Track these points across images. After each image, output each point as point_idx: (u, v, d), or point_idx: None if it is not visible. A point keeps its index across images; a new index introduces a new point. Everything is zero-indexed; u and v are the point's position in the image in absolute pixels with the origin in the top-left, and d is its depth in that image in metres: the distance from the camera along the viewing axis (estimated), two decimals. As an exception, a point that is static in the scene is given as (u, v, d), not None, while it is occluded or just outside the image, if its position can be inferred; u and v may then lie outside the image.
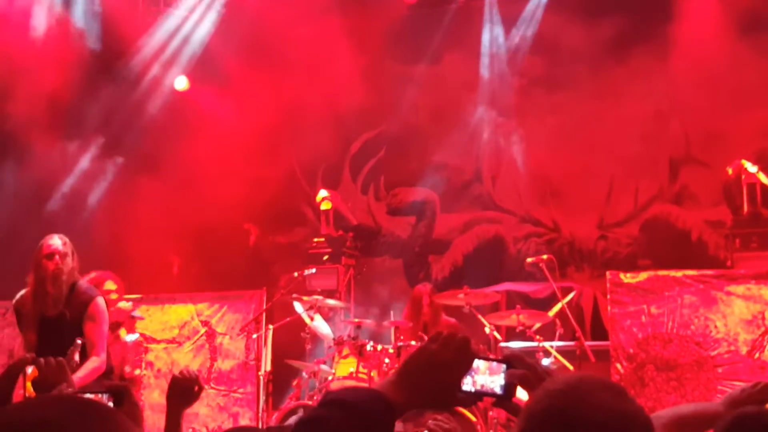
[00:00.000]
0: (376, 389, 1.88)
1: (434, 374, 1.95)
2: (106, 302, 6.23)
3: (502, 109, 11.97)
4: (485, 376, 2.10)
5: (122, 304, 7.76)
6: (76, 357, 5.52)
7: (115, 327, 7.45)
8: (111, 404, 2.79)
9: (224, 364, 9.28)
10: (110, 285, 7.47)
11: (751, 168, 9.50)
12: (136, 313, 8.24)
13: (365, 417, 1.75)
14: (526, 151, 11.77)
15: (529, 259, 9.01)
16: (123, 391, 2.88)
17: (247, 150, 11.30)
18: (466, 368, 2.01)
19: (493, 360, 2.12)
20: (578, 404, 1.70)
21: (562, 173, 11.68)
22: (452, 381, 1.99)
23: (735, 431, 2.82)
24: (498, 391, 2.11)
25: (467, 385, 2.06)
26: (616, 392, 1.73)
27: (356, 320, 8.44)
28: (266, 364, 9.16)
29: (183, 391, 3.50)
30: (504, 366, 2.11)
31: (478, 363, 2.08)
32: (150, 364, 9.33)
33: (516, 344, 8.79)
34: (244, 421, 8.90)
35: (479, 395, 2.09)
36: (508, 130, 11.92)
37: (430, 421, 3.12)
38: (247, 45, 11.55)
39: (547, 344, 8.22)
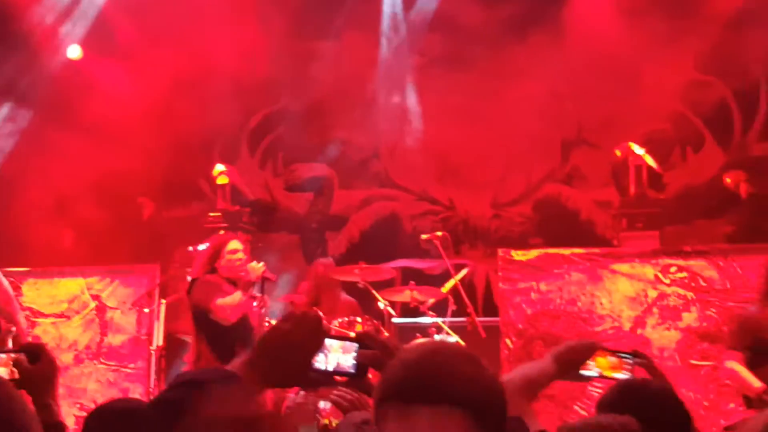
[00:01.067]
0: (230, 369, 1.90)
1: (286, 354, 1.99)
2: None
3: (401, 86, 12.04)
4: (339, 355, 2.11)
5: None
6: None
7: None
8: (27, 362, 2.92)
9: (115, 339, 9.16)
10: None
11: (639, 150, 9.79)
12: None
13: (218, 397, 1.77)
14: (424, 129, 11.88)
15: (423, 236, 9.11)
16: (38, 350, 3.00)
17: (143, 122, 11.12)
18: (316, 348, 2.05)
19: (345, 339, 2.14)
20: (433, 373, 1.73)
21: (460, 152, 11.84)
22: (303, 360, 2.02)
23: (619, 400, 2.94)
24: (351, 370, 2.12)
25: (320, 363, 2.07)
26: (470, 360, 1.77)
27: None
28: (158, 339, 9.07)
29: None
30: (356, 345, 2.13)
31: (330, 342, 2.09)
32: (37, 339, 9.15)
33: (409, 320, 8.90)
34: (134, 396, 8.81)
35: (332, 374, 2.11)
36: (407, 108, 12.00)
37: (333, 394, 3.17)
38: (145, 14, 11.34)
39: (439, 320, 8.35)
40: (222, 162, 11.18)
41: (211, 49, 11.31)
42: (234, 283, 7.15)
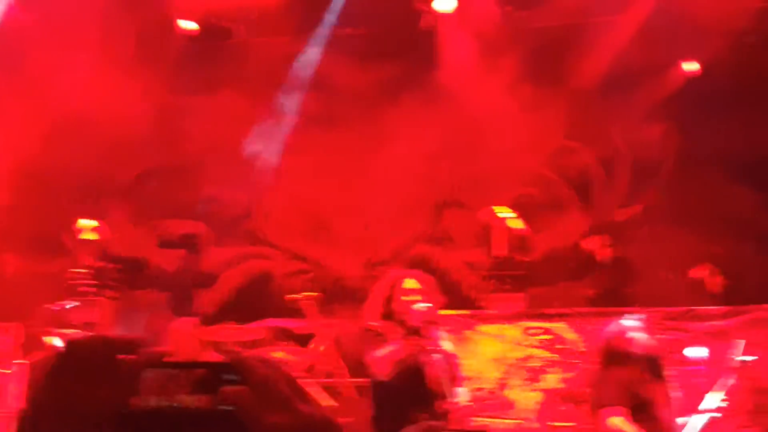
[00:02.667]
0: None
1: None
2: None
3: (276, 145, 12.08)
4: None
5: None
6: None
7: None
8: None
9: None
10: None
11: (507, 213, 10.06)
12: None
13: None
14: (298, 188, 11.93)
15: (293, 296, 9.12)
16: None
17: (8, 175, 10.84)
18: None
19: None
20: None
21: (334, 211, 11.93)
22: None
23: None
24: None
25: None
26: None
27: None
28: (20, 401, 8.75)
29: None
30: None
31: None
32: None
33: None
34: None
35: None
36: (282, 167, 12.04)
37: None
38: (14, 63, 11.10)
39: (310, 381, 8.32)
40: (91, 217, 10.96)
41: (82, 103, 11.14)
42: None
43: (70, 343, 1.19)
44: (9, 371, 8.72)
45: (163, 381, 1.30)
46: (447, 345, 5.69)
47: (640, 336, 5.98)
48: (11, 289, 11.34)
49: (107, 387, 1.05)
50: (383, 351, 5.54)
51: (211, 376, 1.29)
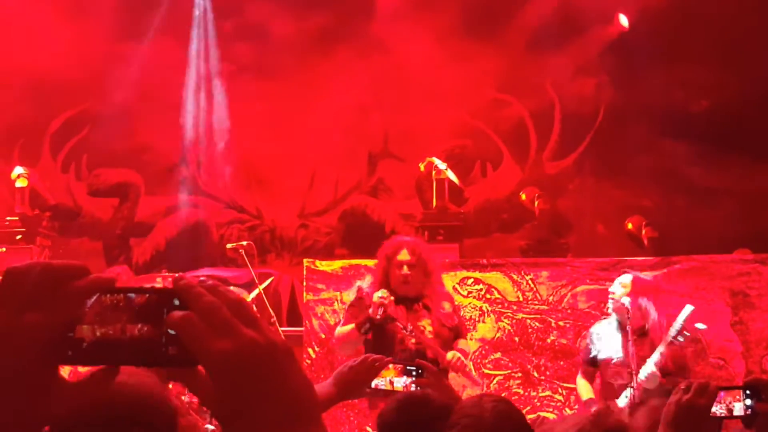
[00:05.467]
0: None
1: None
2: None
3: (211, 93, 11.97)
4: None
5: None
6: None
7: None
8: None
9: None
10: None
11: (441, 165, 10.12)
12: None
13: None
14: (232, 138, 11.86)
15: (228, 245, 9.09)
16: None
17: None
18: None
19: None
20: None
21: (268, 161, 11.89)
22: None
23: (398, 417, 3.00)
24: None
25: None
26: None
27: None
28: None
29: None
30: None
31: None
32: None
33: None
34: None
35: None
36: (216, 115, 11.94)
37: None
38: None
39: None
40: (21, 164, 10.76)
41: (13, 47, 10.89)
42: None
43: (8, 271, 1.12)
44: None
45: (107, 308, 1.11)
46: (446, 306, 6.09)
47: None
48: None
49: (48, 314, 1.02)
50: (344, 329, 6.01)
51: (155, 303, 1.09)
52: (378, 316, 5.79)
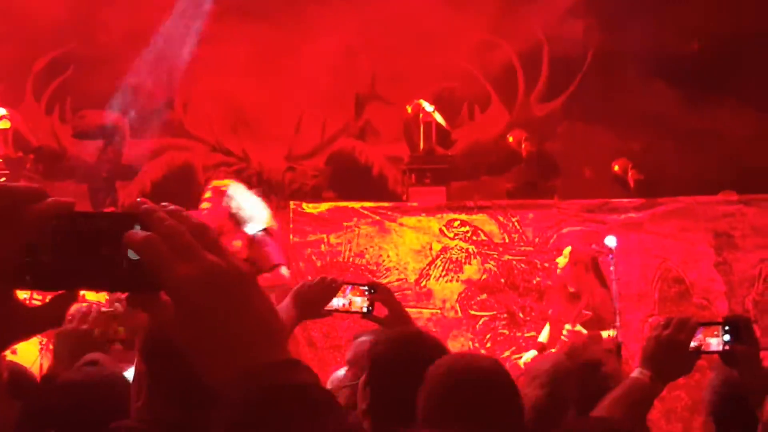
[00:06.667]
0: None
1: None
2: None
3: (196, 35, 11.83)
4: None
5: None
6: None
7: None
8: None
9: None
10: None
11: (429, 107, 10.08)
12: None
13: None
14: (219, 79, 11.75)
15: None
16: None
17: None
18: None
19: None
20: None
21: (255, 103, 11.80)
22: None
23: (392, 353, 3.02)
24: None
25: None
26: None
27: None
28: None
29: None
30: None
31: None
32: None
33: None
34: None
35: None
36: (202, 57, 11.82)
37: None
38: None
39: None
40: (3, 105, 10.65)
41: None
42: None
43: None
44: None
45: (66, 233, 1.06)
46: None
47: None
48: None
49: (5, 238, 0.98)
50: None
51: (117, 227, 1.05)
52: None
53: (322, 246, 8.59)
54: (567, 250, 6.96)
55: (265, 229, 6.45)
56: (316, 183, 11.81)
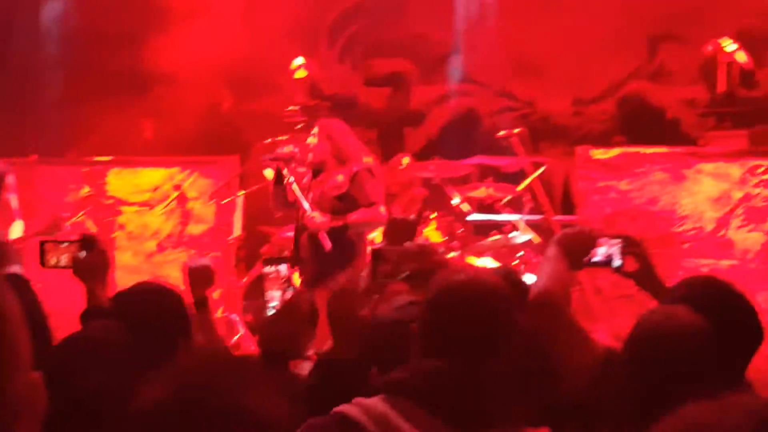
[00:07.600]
0: None
1: None
2: None
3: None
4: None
5: None
6: None
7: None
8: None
9: (195, 229, 9.31)
10: None
11: (730, 46, 9.40)
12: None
13: None
14: (504, 24, 11.61)
15: (501, 133, 8.92)
16: (92, 242, 3.60)
17: (231, 12, 11.15)
18: None
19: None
20: None
21: (541, 48, 11.56)
22: None
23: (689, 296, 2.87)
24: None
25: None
26: None
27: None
28: (236, 230, 9.18)
29: None
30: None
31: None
32: (122, 227, 9.35)
33: (484, 216, 8.82)
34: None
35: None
36: (488, 2, 11.72)
37: None
38: None
39: (515, 217, 8.29)
40: (301, 55, 11.11)
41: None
42: None
43: None
44: (225, 202, 9.05)
45: None
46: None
47: None
48: (227, 124, 11.79)
49: None
50: None
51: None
52: None
53: (611, 193, 8.31)
54: None
55: (368, 168, 6.66)
56: (605, 128, 11.40)
